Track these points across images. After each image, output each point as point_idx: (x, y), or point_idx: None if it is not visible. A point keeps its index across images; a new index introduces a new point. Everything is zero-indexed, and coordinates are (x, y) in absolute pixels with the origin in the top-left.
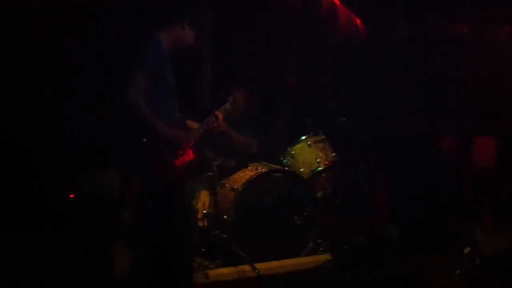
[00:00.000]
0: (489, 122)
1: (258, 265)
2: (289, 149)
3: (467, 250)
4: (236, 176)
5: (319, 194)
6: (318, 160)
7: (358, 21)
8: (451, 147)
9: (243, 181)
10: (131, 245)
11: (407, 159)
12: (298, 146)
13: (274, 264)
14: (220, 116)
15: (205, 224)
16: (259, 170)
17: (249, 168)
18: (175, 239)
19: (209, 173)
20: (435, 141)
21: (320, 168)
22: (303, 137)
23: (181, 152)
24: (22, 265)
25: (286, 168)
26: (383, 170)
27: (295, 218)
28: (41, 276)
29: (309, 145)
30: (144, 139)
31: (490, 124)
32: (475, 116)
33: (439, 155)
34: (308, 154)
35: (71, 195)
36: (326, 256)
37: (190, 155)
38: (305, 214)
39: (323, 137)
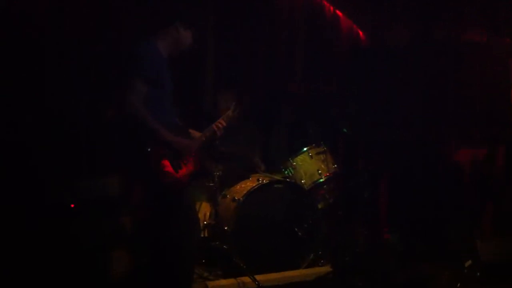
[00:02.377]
0: (495, 129)
1: (259, 277)
2: (291, 160)
3: (468, 263)
4: (238, 187)
5: (320, 206)
6: (319, 171)
7: (360, 32)
8: (457, 154)
9: (244, 192)
10: (131, 249)
11: (410, 166)
12: (300, 157)
13: (275, 275)
14: (222, 124)
15: (206, 235)
16: (261, 181)
17: (250, 179)
18: (175, 243)
19: (210, 184)
20: (440, 148)
21: (321, 180)
22: (305, 148)
23: (182, 158)
24: (23, 268)
25: (287, 179)
26: (385, 177)
27: (296, 229)
28: (42, 279)
29: (311, 156)
30: (149, 149)
31: (496, 131)
32: (481, 123)
33: (444, 162)
34: (309, 166)
35: (72, 205)
36: (327, 268)
37: (191, 162)
38: (306, 225)
39: (325, 148)
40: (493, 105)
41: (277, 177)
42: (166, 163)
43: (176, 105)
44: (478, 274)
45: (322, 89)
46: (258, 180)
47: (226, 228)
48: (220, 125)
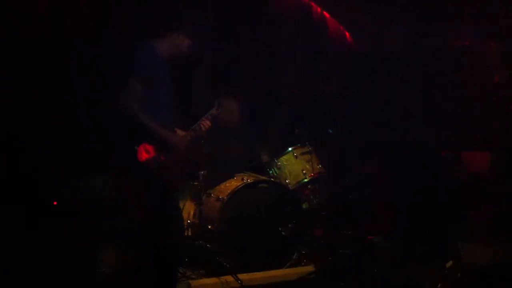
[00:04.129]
0: (484, 134)
1: (242, 276)
2: (276, 160)
3: (449, 264)
4: (222, 186)
5: (304, 206)
6: (304, 171)
7: (347, 34)
8: (448, 159)
9: (229, 191)
10: (123, 249)
11: (398, 169)
12: (285, 157)
13: (258, 275)
14: (207, 122)
15: (190, 233)
16: (245, 181)
17: (235, 178)
18: (167, 243)
19: (195, 183)
20: (431, 151)
21: (306, 180)
22: (290, 149)
23: (174, 157)
24: (14, 267)
25: (272, 179)
26: (378, 179)
27: (280, 229)
28: (33, 278)
29: (296, 156)
30: (136, 147)
31: (485, 136)
32: (470, 128)
33: (433, 165)
34: (294, 166)
35: (55, 203)
36: (310, 268)
37: (181, 160)
38: (290, 225)
39: (310, 148)
40: (483, 109)
41: (262, 176)
42: (158, 160)
43: (172, 105)
44: (459, 275)
45: (311, 91)
46: (242, 179)
47: (210, 227)
48: (205, 124)
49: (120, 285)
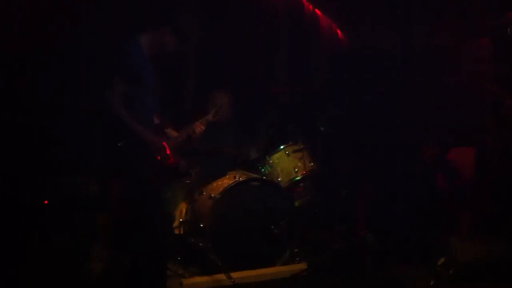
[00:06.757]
0: (470, 131)
1: (234, 274)
2: (268, 158)
3: (441, 261)
4: (214, 184)
5: (297, 203)
6: (296, 169)
7: (338, 31)
8: (433, 156)
9: (221, 189)
10: (109, 248)
11: (387, 167)
12: (277, 155)
13: (250, 273)
14: (200, 127)
15: (182, 231)
16: (237, 179)
17: (227, 176)
18: (152, 242)
19: (187, 181)
20: (417, 149)
21: (298, 178)
22: (282, 146)
23: (158, 157)
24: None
25: (264, 177)
26: (365, 177)
27: (272, 227)
28: (17, 276)
29: (288, 154)
30: (119, 143)
31: (470, 134)
32: (455, 126)
33: (421, 164)
34: (286, 163)
35: (46, 201)
36: (302, 265)
37: (167, 160)
38: (282, 223)
39: (302, 146)
40: (468, 109)
41: (254, 174)
42: (141, 160)
43: (157, 102)
44: (451, 271)
45: (302, 89)
46: (234, 177)
47: (202, 225)
48: (198, 129)
49: (108, 283)
